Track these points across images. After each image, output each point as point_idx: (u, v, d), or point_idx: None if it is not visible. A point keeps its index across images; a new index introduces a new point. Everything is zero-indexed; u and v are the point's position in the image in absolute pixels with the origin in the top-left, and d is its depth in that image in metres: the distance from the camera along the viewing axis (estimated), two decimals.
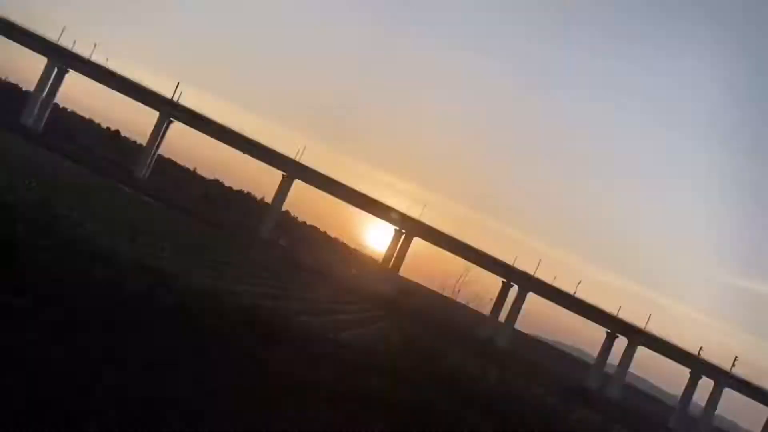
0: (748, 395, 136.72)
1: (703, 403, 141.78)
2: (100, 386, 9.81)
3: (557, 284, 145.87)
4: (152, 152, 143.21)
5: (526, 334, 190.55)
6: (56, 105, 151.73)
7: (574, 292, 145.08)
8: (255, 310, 27.89)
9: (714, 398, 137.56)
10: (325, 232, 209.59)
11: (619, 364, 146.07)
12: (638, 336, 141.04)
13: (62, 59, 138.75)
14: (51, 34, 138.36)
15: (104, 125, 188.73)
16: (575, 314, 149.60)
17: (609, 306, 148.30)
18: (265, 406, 12.18)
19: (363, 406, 14.06)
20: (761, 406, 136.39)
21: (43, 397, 8.82)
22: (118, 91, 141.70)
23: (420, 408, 16.04)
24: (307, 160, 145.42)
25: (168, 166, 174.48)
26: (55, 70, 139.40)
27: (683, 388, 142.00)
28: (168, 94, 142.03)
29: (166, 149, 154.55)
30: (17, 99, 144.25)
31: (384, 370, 18.54)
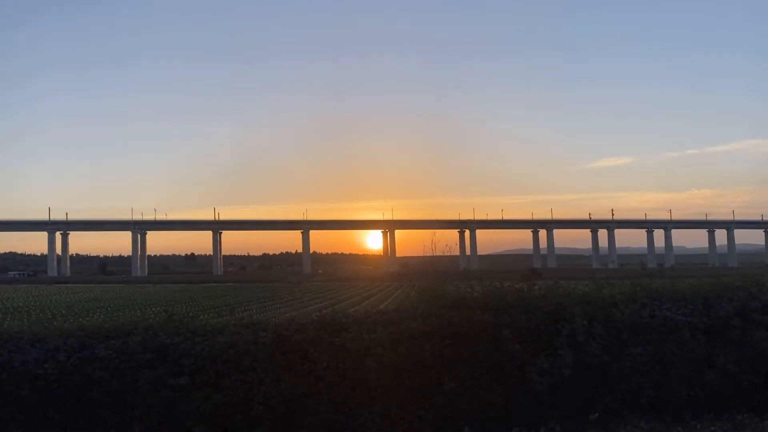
0: None
1: None
2: None
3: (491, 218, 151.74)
4: (218, 258, 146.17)
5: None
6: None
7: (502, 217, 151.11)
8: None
9: None
10: (341, 253, 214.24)
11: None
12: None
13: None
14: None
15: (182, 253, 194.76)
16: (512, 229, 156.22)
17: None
18: None
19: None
20: None
21: None
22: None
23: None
24: (313, 216, 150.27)
25: (232, 259, 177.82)
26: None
27: None
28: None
29: (226, 249, 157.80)
30: None
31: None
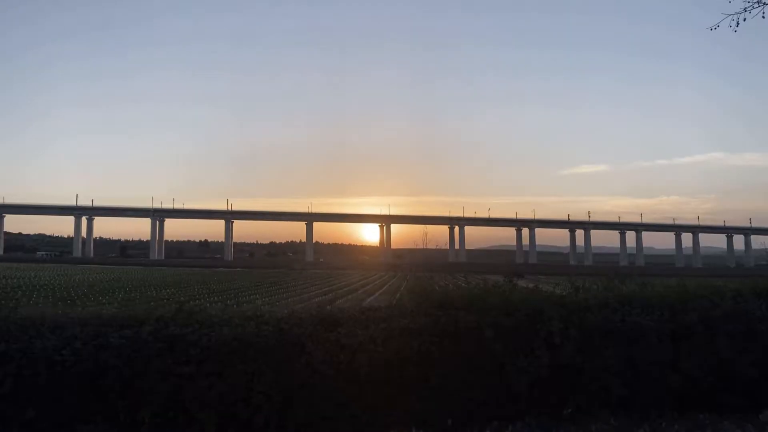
0: None
1: None
2: None
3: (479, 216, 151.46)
4: (229, 245, 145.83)
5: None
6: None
7: (488, 216, 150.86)
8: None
9: None
10: (341, 244, 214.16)
11: None
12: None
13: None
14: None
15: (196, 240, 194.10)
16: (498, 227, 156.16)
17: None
18: None
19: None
20: None
21: None
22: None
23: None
24: (316, 209, 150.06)
25: (242, 246, 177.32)
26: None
27: None
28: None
29: (236, 237, 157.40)
30: None
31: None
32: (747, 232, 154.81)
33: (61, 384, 4.81)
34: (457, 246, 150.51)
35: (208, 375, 4.97)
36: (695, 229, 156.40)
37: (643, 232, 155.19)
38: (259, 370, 5.07)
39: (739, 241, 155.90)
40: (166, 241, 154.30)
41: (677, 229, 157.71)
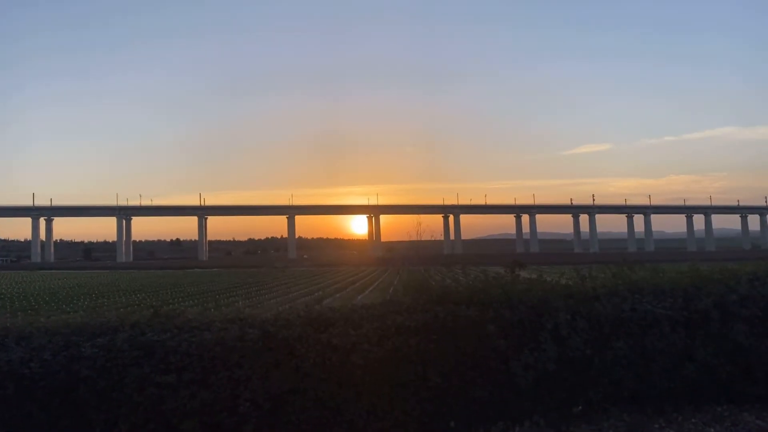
0: None
1: None
2: None
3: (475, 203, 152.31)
4: (204, 244, 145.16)
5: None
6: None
7: (485, 202, 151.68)
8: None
9: None
10: (327, 238, 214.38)
11: None
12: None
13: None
14: None
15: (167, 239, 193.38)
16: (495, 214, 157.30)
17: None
18: None
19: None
20: None
21: None
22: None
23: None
24: (298, 201, 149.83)
25: (218, 245, 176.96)
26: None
27: None
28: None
29: (211, 234, 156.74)
30: None
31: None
32: (763, 211, 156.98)
33: (31, 399, 4.81)
34: (452, 236, 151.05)
35: (189, 383, 5.00)
36: (707, 210, 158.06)
37: (652, 215, 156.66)
38: (244, 376, 5.11)
39: (754, 221, 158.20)
40: (135, 242, 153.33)
41: (688, 210, 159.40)
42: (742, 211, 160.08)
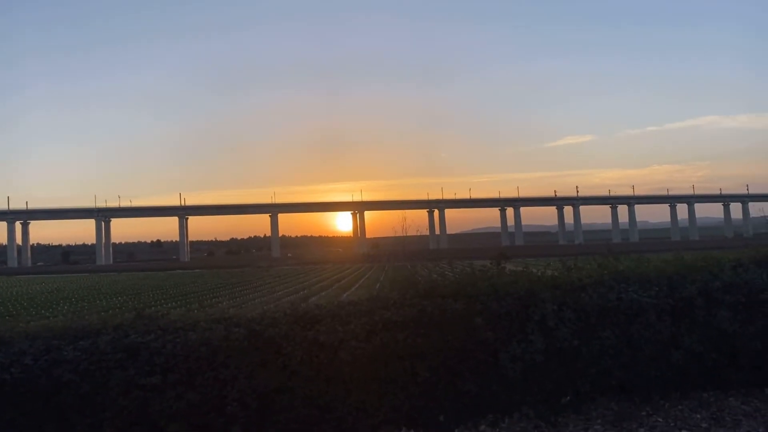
0: None
1: None
2: None
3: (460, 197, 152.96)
4: (185, 244, 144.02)
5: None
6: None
7: (470, 196, 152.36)
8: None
9: None
10: (311, 236, 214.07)
11: None
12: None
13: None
14: None
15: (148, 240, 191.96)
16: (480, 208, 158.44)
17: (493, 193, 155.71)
18: None
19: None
20: None
21: None
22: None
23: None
24: (281, 199, 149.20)
25: (199, 245, 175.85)
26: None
27: None
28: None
29: (193, 235, 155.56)
30: None
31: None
32: (744, 199, 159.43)
33: (13, 405, 4.76)
34: (438, 231, 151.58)
35: (175, 385, 4.98)
36: (690, 199, 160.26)
37: (636, 205, 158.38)
38: (231, 376, 5.10)
39: (736, 209, 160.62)
40: (114, 244, 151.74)
41: (671, 200, 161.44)
42: (725, 199, 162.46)
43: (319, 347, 5.32)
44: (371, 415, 5.24)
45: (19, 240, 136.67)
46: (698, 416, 5.59)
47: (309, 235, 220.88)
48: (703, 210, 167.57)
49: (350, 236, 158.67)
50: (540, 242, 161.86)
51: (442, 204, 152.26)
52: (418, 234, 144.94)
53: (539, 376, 5.62)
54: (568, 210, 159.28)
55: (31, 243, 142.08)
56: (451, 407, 5.46)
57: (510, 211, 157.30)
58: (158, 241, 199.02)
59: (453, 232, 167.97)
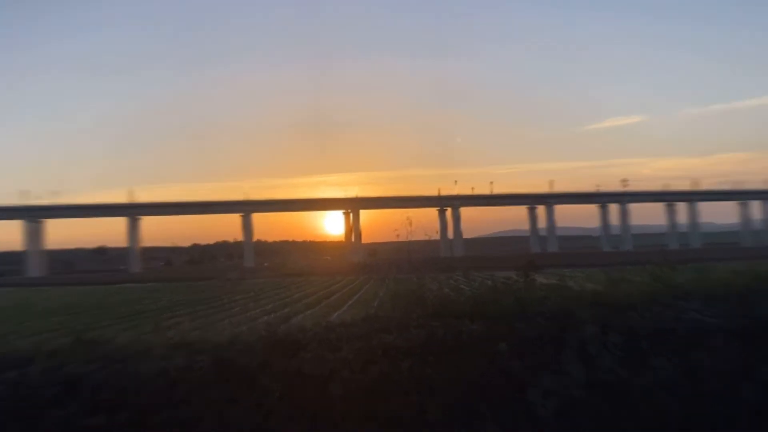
0: None
1: None
2: None
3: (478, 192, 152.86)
4: (136, 251, 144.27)
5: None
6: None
7: (491, 192, 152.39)
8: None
9: None
10: (293, 241, 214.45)
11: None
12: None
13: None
14: None
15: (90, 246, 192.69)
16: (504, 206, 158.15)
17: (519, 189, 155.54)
18: None
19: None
20: None
21: None
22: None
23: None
24: (256, 195, 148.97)
25: (154, 253, 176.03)
26: None
27: None
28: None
29: (146, 240, 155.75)
30: None
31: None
32: None
33: None
34: (451, 235, 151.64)
35: (124, 426, 4.99)
36: (766, 195, 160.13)
37: (698, 203, 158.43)
38: (194, 416, 5.10)
39: None
40: (49, 251, 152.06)
41: (742, 196, 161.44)
42: None
43: (303, 380, 5.33)
44: None
45: None
46: None
47: (290, 239, 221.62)
48: None
49: (342, 241, 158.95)
50: (578, 248, 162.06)
51: (457, 201, 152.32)
52: (427, 239, 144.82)
53: (577, 416, 5.62)
54: (613, 208, 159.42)
55: None
56: None
57: (541, 210, 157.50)
58: (102, 247, 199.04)
59: (470, 236, 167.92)
